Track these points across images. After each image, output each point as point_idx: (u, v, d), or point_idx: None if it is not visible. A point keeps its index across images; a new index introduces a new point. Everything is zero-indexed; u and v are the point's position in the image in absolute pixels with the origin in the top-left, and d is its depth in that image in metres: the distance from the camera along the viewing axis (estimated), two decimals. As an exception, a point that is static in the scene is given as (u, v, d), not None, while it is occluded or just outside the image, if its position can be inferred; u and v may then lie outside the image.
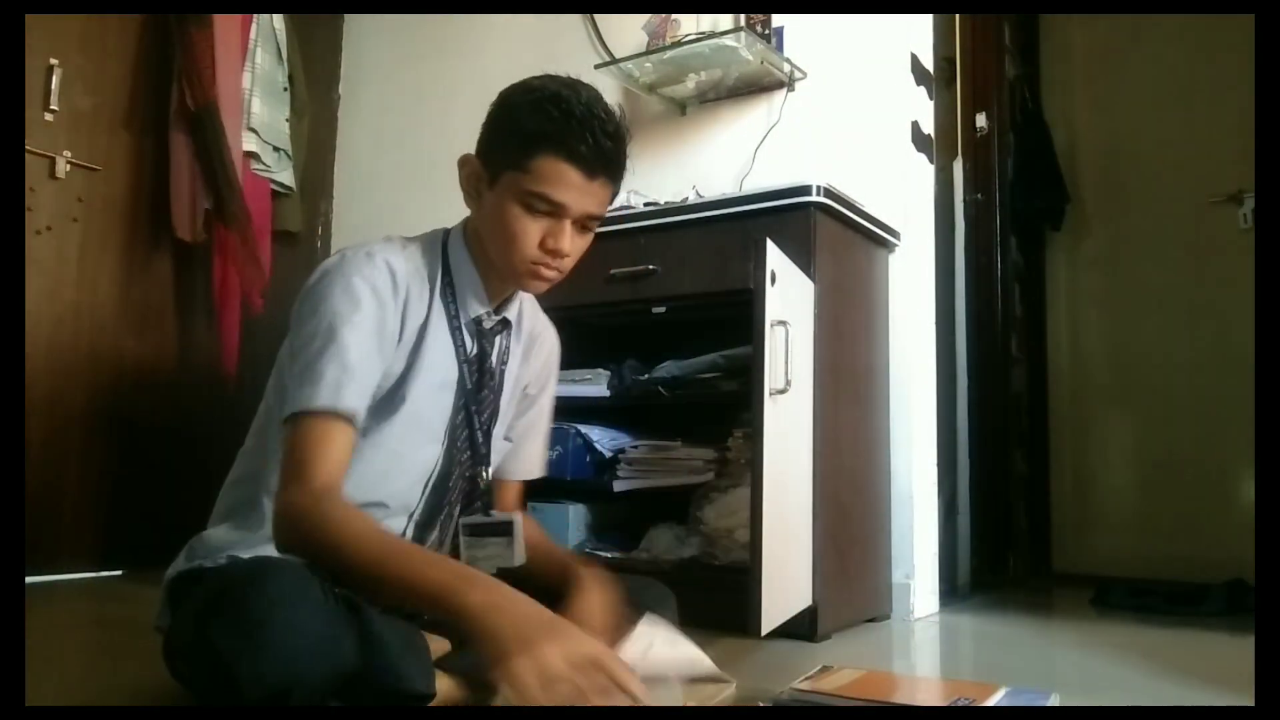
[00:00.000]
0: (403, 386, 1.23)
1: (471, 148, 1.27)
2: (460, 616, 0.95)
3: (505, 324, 1.34)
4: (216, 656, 0.95)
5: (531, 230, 1.18)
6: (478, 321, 1.29)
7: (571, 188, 1.17)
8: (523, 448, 1.45)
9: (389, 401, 1.23)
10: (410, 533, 1.31)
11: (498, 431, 1.36)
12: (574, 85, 1.20)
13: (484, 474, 1.33)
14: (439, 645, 1.18)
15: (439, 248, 1.29)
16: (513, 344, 1.37)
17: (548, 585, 1.22)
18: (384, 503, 1.26)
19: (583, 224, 1.22)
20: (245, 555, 1.19)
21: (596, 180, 1.19)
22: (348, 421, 1.12)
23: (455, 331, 1.27)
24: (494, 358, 1.33)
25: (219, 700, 0.98)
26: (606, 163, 1.19)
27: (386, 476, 1.24)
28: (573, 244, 1.21)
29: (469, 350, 1.29)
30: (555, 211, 1.18)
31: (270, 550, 1.15)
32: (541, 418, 1.48)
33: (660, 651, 1.17)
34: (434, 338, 1.25)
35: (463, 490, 1.32)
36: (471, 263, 1.28)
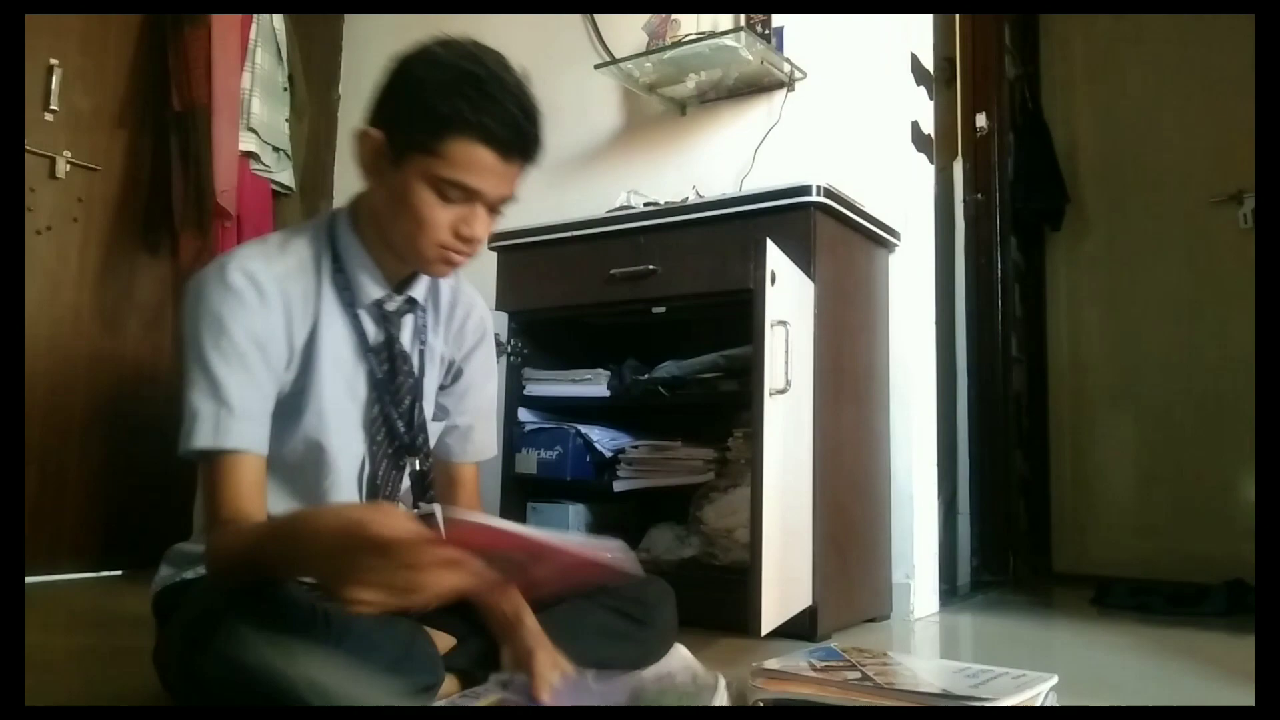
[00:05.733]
0: (305, 392, 1.16)
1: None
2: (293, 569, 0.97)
3: (412, 302, 1.24)
4: (206, 689, 0.94)
5: (442, 216, 1.10)
6: (379, 305, 1.20)
7: (488, 172, 1.09)
8: (472, 429, 1.36)
9: (295, 410, 1.16)
10: None
11: (426, 414, 1.27)
12: (483, 56, 1.12)
13: (414, 463, 1.24)
14: (444, 641, 1.19)
15: (324, 234, 1.20)
16: (430, 320, 1.28)
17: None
18: None
19: (494, 207, 1.14)
20: None
21: (514, 163, 1.11)
22: (238, 453, 1.07)
23: (353, 320, 1.19)
24: (405, 340, 1.24)
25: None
26: (525, 144, 1.11)
27: (320, 485, 1.19)
28: (485, 228, 1.13)
29: (373, 338, 1.20)
30: (469, 197, 1.10)
31: None
32: (482, 395, 1.37)
33: (676, 682, 1.20)
34: (329, 333, 1.17)
35: (396, 483, 1.24)
36: (361, 245, 1.19)
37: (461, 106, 1.06)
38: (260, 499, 1.09)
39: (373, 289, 1.19)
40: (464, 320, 1.32)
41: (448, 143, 1.07)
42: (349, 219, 1.21)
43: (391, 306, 1.22)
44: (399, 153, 1.10)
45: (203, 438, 1.05)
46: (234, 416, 1.07)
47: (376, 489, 1.22)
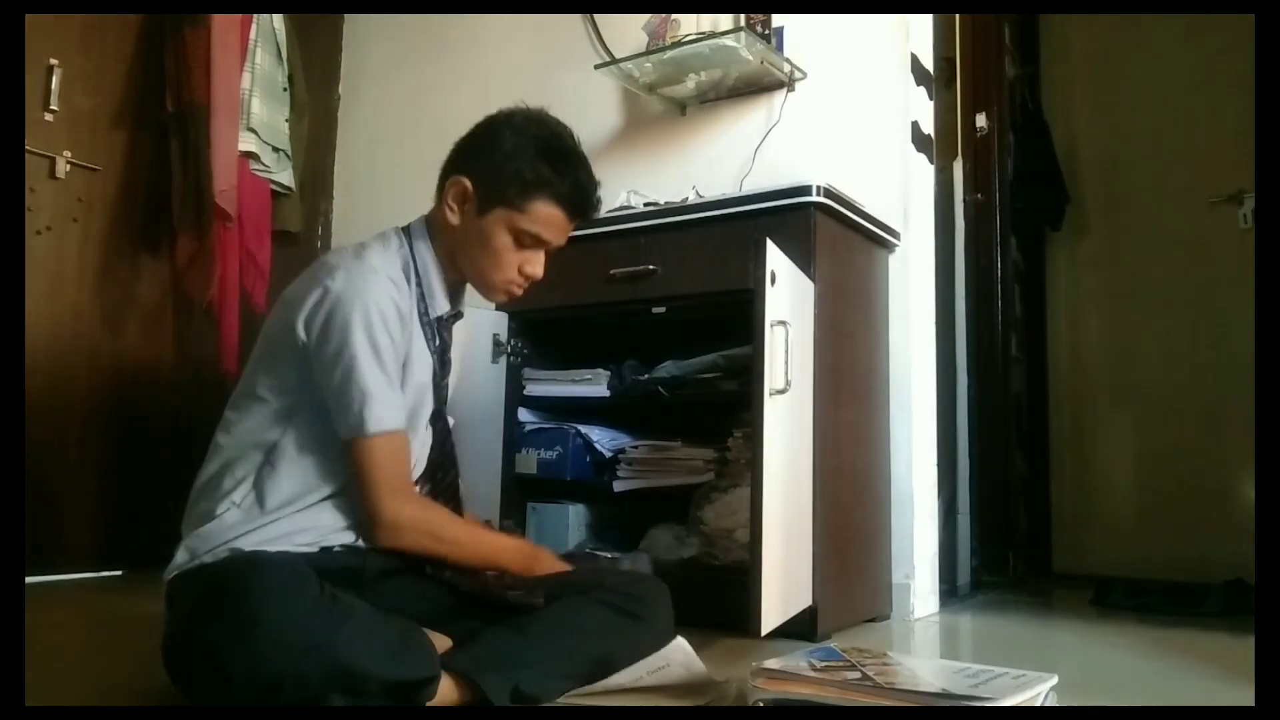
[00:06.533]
0: (405, 389, 1.32)
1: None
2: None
3: (459, 315, 1.45)
4: (211, 651, 0.96)
5: (514, 258, 1.36)
6: (439, 317, 1.40)
7: (559, 228, 1.37)
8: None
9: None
10: None
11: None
12: (561, 131, 1.37)
13: (446, 447, 1.44)
14: (442, 643, 1.19)
15: (406, 249, 1.38)
16: (455, 330, 1.47)
17: None
18: None
19: (551, 251, 1.40)
20: (247, 548, 1.20)
21: (576, 220, 1.39)
22: (403, 432, 1.27)
23: (426, 328, 1.37)
24: (452, 350, 1.44)
25: (214, 696, 0.99)
26: (590, 208, 1.38)
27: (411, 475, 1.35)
28: (543, 269, 1.40)
29: (436, 345, 1.39)
30: (539, 245, 1.37)
31: (274, 536, 1.21)
32: None
33: (673, 674, 1.24)
34: (416, 338, 1.34)
35: (448, 466, 1.45)
36: (438, 264, 1.39)
37: (549, 176, 1.32)
38: (409, 469, 1.31)
39: (443, 303, 1.39)
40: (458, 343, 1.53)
41: (533, 203, 1.33)
42: (425, 236, 1.40)
43: (448, 318, 1.41)
44: (486, 202, 1.34)
45: (385, 422, 1.23)
46: (400, 400, 1.27)
47: (436, 469, 1.42)
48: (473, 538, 1.36)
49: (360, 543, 1.28)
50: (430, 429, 1.40)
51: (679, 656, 1.31)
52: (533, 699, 1.15)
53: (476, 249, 1.35)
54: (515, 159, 1.32)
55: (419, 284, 1.36)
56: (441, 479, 1.43)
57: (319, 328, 1.24)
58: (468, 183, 1.34)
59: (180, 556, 1.25)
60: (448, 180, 1.37)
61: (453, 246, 1.38)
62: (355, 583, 1.20)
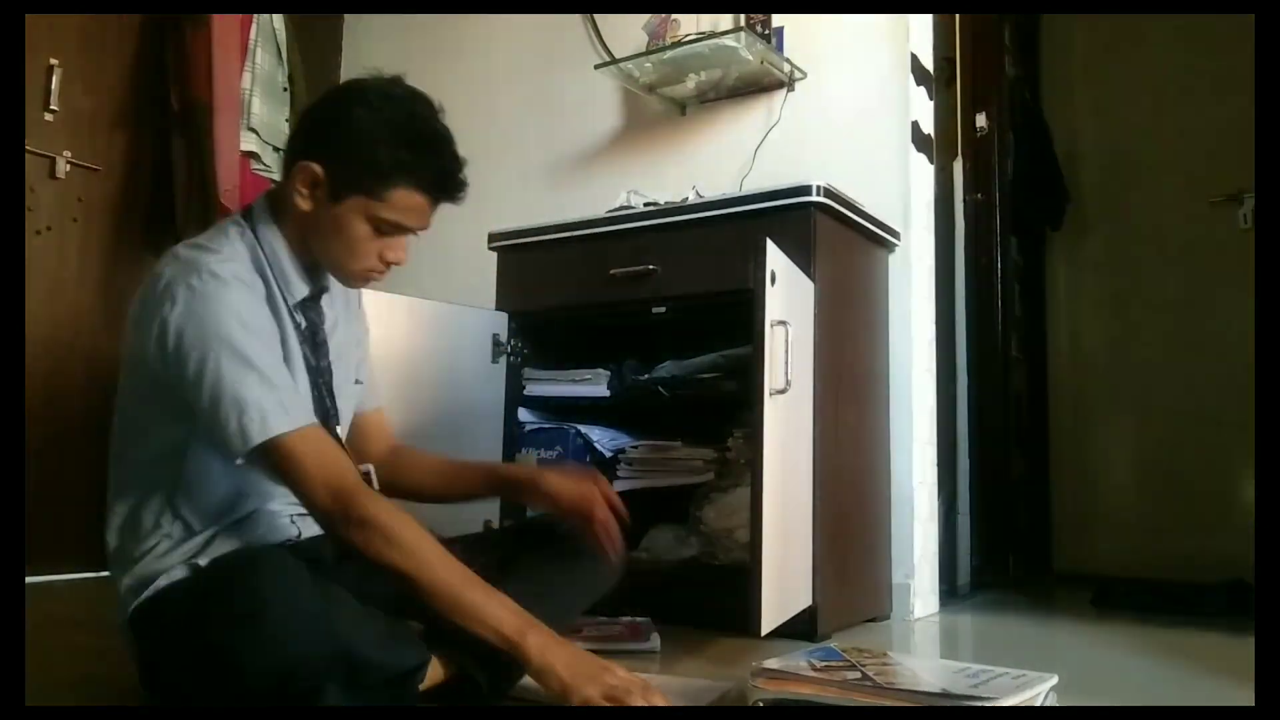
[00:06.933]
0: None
1: (472, 148, 1.28)
2: (517, 651, 1.08)
3: (322, 291, 1.35)
4: (218, 649, 0.96)
5: (373, 246, 1.24)
6: (300, 299, 1.31)
7: (421, 214, 1.25)
8: (373, 384, 1.50)
9: None
10: None
11: (340, 386, 1.37)
12: (417, 104, 1.24)
13: (338, 431, 1.33)
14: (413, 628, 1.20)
15: (251, 237, 1.27)
16: (327, 306, 1.37)
17: (477, 495, 1.44)
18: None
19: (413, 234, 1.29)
20: (203, 561, 1.17)
21: (440, 204, 1.26)
22: (315, 424, 1.17)
23: (291, 314, 1.27)
24: (324, 327, 1.35)
25: (223, 697, 0.99)
26: (454, 190, 1.25)
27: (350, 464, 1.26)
28: (406, 253, 1.28)
29: (303, 328, 1.30)
30: (400, 232, 1.25)
31: (215, 551, 1.18)
32: (369, 355, 1.50)
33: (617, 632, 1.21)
34: (284, 326, 1.26)
35: None
36: (288, 248, 1.27)
37: (404, 158, 1.19)
38: (346, 457, 1.19)
39: (301, 287, 1.28)
40: (355, 296, 1.44)
41: (390, 189, 1.20)
42: (270, 219, 1.28)
43: (311, 298, 1.31)
44: (339, 190, 1.21)
45: (280, 423, 1.11)
46: (293, 395, 1.16)
47: None
48: (455, 567, 1.12)
49: (303, 536, 1.25)
50: (317, 418, 1.28)
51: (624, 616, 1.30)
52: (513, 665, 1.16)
53: (331, 237, 1.24)
54: (370, 144, 1.19)
55: (272, 271, 1.25)
56: None
57: (172, 358, 1.14)
58: (318, 169, 1.20)
59: (127, 597, 1.21)
60: (295, 163, 1.23)
61: (304, 231, 1.26)
62: (317, 570, 1.12)
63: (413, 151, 1.20)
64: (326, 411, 1.31)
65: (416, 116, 1.23)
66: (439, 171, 1.23)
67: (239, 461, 1.11)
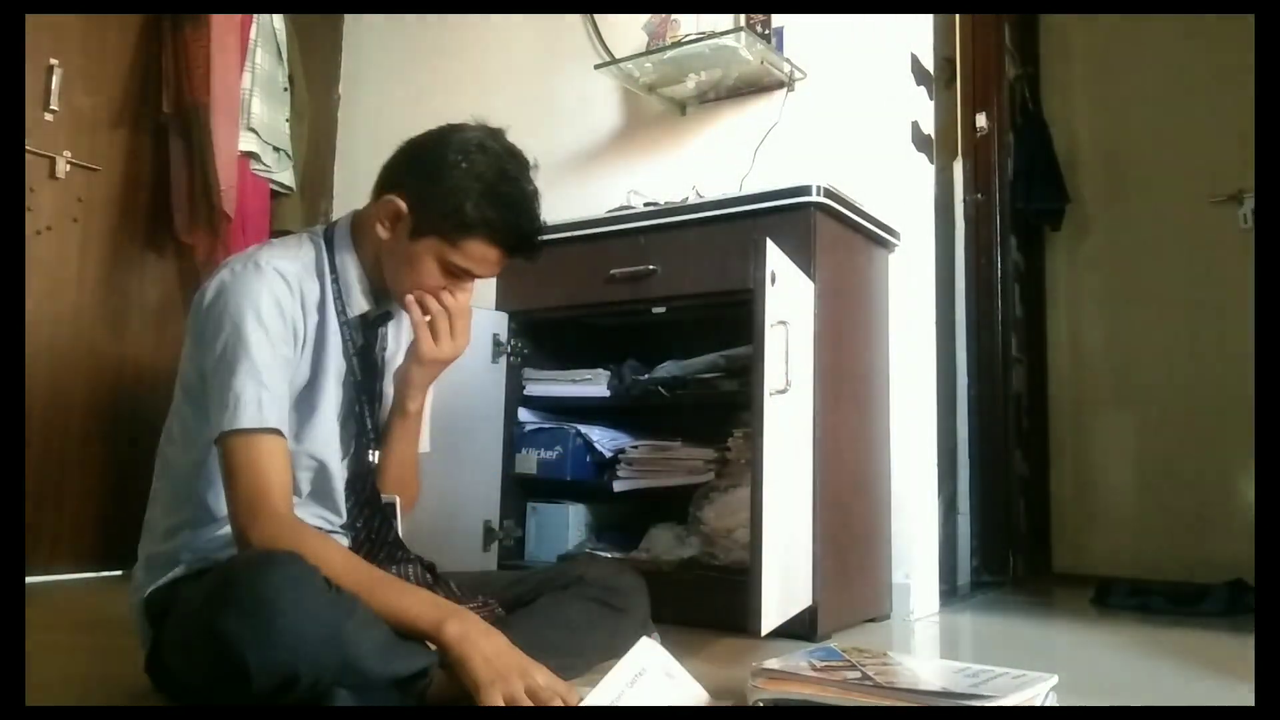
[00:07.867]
0: (315, 388, 1.29)
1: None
2: (437, 642, 1.07)
3: (388, 315, 1.40)
4: (224, 645, 0.96)
5: (439, 284, 1.30)
6: (362, 316, 1.34)
7: (493, 266, 1.30)
8: None
9: (306, 405, 1.28)
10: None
11: (384, 413, 1.41)
12: (511, 168, 1.28)
13: (371, 455, 1.37)
14: None
15: (324, 246, 1.33)
16: (392, 332, 1.43)
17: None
18: (327, 516, 1.32)
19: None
20: (223, 556, 1.19)
21: (512, 258, 1.32)
22: (279, 434, 1.17)
23: (344, 326, 1.31)
24: (378, 349, 1.39)
25: (225, 692, 0.99)
26: (529, 248, 1.31)
27: (319, 480, 1.31)
28: (469, 297, 1.34)
29: (356, 344, 1.33)
30: (468, 278, 1.31)
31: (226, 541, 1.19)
32: None
33: (652, 681, 1.16)
34: (330, 335, 1.30)
35: (366, 472, 1.37)
36: (358, 263, 1.33)
37: (488, 215, 1.24)
38: (290, 488, 1.19)
39: (362, 302, 1.33)
40: (404, 323, 1.45)
41: (468, 240, 1.26)
42: (348, 235, 1.34)
43: (372, 317, 1.36)
44: (420, 228, 1.26)
45: (248, 418, 1.14)
46: (275, 398, 1.17)
47: (355, 477, 1.35)
48: (360, 572, 1.12)
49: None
50: (349, 434, 1.34)
51: (655, 659, 1.26)
52: None
53: (402, 268, 1.29)
54: (458, 194, 1.23)
55: (335, 281, 1.30)
56: (362, 490, 1.35)
57: (200, 328, 1.22)
58: (403, 205, 1.26)
59: (141, 577, 1.26)
60: (384, 194, 1.29)
61: (378, 254, 1.32)
62: None
63: (496, 209, 1.25)
64: (361, 431, 1.35)
65: (507, 176, 1.27)
66: (517, 232, 1.28)
67: (214, 442, 1.16)
